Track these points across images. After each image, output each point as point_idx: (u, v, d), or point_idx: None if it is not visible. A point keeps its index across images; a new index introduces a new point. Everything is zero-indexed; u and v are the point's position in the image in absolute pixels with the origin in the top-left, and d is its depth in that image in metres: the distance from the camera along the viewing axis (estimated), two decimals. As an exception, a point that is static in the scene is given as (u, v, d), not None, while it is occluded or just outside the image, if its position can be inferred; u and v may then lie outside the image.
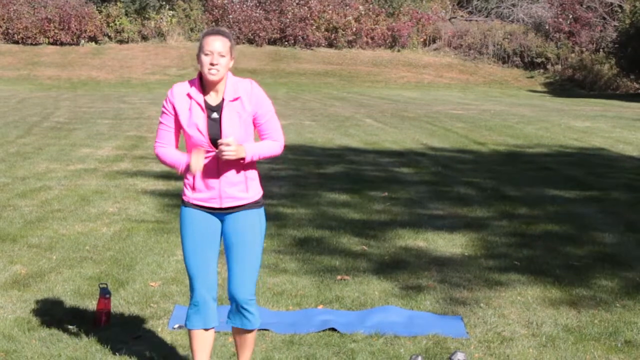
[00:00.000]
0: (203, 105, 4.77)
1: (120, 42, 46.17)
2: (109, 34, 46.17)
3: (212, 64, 4.69)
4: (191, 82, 4.84)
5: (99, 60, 43.39)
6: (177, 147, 4.92)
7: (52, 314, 6.27)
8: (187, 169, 4.76)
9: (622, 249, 8.55)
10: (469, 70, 46.44)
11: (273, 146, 4.88)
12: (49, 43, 45.14)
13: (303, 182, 12.60)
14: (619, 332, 6.03)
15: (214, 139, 4.73)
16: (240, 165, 4.80)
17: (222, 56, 4.71)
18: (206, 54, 4.71)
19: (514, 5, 49.77)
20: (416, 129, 20.93)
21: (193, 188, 4.87)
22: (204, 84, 4.79)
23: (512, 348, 5.70)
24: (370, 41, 47.62)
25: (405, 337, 5.85)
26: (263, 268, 7.55)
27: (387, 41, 48.02)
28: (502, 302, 6.71)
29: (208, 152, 4.75)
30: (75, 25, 44.92)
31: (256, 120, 4.83)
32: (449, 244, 8.69)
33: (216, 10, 47.10)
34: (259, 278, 7.24)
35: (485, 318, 6.30)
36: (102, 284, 6.26)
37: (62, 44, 45.11)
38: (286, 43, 46.94)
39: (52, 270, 7.46)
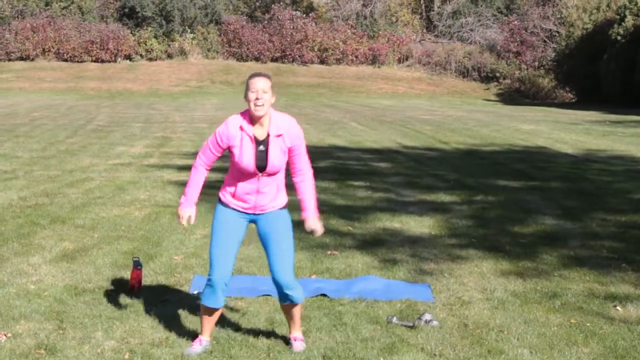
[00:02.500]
0: (253, 138, 4.72)
1: (150, 59, 46.08)
2: (141, 53, 46.07)
3: (257, 99, 4.65)
4: (243, 115, 4.78)
5: (132, 75, 43.29)
6: (210, 166, 4.92)
7: (94, 281, 6.25)
8: (180, 209, 4.92)
9: (560, 229, 8.55)
10: (436, 83, 46.42)
11: (312, 182, 4.95)
12: (92, 61, 45.07)
13: (300, 174, 12.57)
14: (556, 296, 6.03)
15: (260, 167, 4.72)
16: (274, 183, 4.82)
17: (265, 92, 4.67)
18: (252, 92, 4.67)
19: (472, 30, 49.76)
20: (392, 131, 20.91)
21: (233, 196, 4.85)
22: (252, 118, 4.73)
23: (470, 310, 5.69)
24: (354, 59, 47.60)
25: (383, 301, 5.84)
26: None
27: (369, 59, 48.01)
28: (462, 272, 6.71)
29: (252, 176, 4.75)
30: (113, 46, 44.86)
31: (291, 152, 4.80)
32: (419, 225, 8.68)
33: (229, 34, 47.01)
34: (263, 253, 7.23)
35: (449, 285, 6.30)
36: (135, 257, 6.24)
37: (102, 61, 45.01)
38: (286, 60, 46.92)
39: (94, 246, 7.44)
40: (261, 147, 4.74)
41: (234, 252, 4.90)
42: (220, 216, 4.90)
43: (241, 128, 4.75)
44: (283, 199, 4.92)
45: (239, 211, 4.88)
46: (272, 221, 4.87)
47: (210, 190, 10.65)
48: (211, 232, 4.93)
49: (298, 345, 4.92)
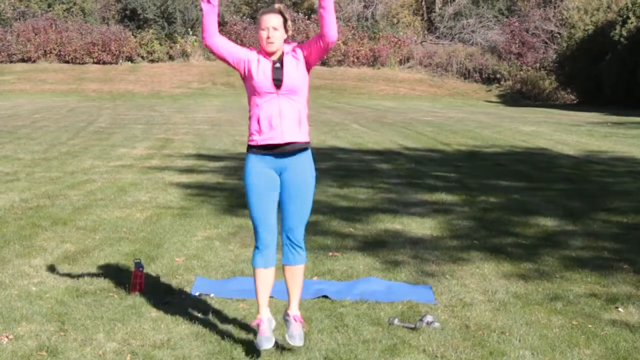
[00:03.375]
0: (269, 58, 4.77)
1: (152, 61, 46.12)
2: (143, 55, 46.12)
3: (268, 37, 4.70)
4: (258, 50, 4.84)
5: (134, 77, 43.32)
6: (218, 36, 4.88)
7: (96, 283, 6.25)
8: None
9: (561, 231, 8.55)
10: (437, 85, 46.43)
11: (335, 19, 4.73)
12: (94, 62, 45.13)
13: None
14: (558, 297, 6.03)
15: (277, 82, 4.72)
16: (296, 107, 4.79)
17: (276, 29, 4.71)
18: (262, 29, 4.72)
19: (473, 31, 49.77)
20: (393, 132, 20.91)
21: (259, 132, 4.80)
22: (266, 53, 4.78)
23: (472, 311, 5.69)
24: (355, 60, 47.61)
25: (385, 302, 5.84)
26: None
27: (370, 60, 48.02)
28: (464, 274, 6.70)
29: (272, 96, 4.74)
30: (115, 48, 44.92)
31: (306, 47, 4.80)
32: (421, 226, 8.68)
33: (231, 35, 47.05)
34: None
35: (450, 287, 6.29)
36: (136, 259, 6.24)
37: (104, 63, 45.06)
38: (287, 62, 46.88)
39: (95, 247, 7.44)
40: (277, 65, 4.76)
41: (274, 206, 4.88)
42: (251, 175, 4.84)
43: (258, 52, 4.82)
44: (306, 133, 4.86)
45: (267, 157, 4.80)
46: (298, 174, 4.83)
47: (213, 192, 10.66)
48: (246, 193, 4.89)
49: (296, 328, 4.84)
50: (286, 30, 4.77)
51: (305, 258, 4.99)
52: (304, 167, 4.87)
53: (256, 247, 4.90)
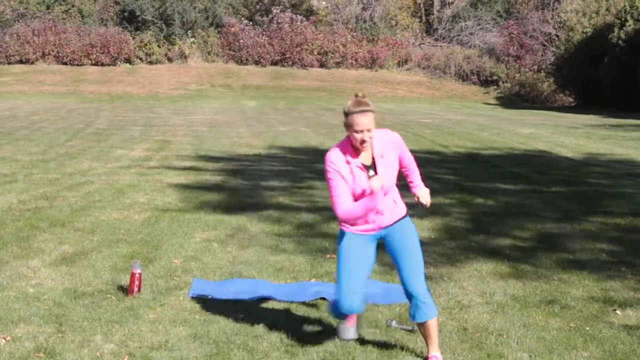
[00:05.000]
0: (361, 166, 4.66)
1: (150, 63, 46.11)
2: (141, 57, 46.11)
3: (364, 141, 4.57)
4: (342, 149, 4.68)
5: (132, 78, 43.32)
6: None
7: (94, 285, 6.25)
8: (372, 193, 4.62)
9: (559, 233, 8.55)
10: (435, 87, 46.45)
11: (417, 169, 4.99)
12: (92, 64, 45.11)
13: (299, 177, 12.58)
14: (556, 300, 6.03)
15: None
16: (390, 198, 4.77)
17: (370, 130, 4.59)
18: (357, 132, 4.56)
19: (471, 33, 49.80)
20: (392, 135, 20.90)
21: (354, 225, 4.76)
22: (355, 150, 4.66)
23: (470, 313, 5.69)
24: (354, 62, 47.62)
25: (382, 304, 5.84)
26: (266, 248, 7.56)
27: (368, 62, 48.03)
28: (462, 276, 6.70)
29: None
30: (113, 50, 44.91)
31: (402, 160, 4.83)
32: (418, 228, 8.63)
33: (229, 37, 47.05)
34: (263, 256, 7.24)
35: (448, 289, 6.30)
36: (134, 260, 6.24)
37: (102, 64, 45.05)
38: (286, 64, 46.92)
39: (93, 249, 7.43)
40: (371, 172, 4.67)
41: (364, 275, 4.80)
42: (345, 243, 4.78)
43: (347, 162, 4.66)
44: (402, 209, 4.87)
45: (363, 235, 4.79)
46: (399, 234, 4.81)
47: (211, 194, 10.65)
48: (337, 261, 4.82)
49: None
50: (375, 124, 4.63)
51: (435, 312, 4.77)
52: (404, 228, 4.85)
53: (338, 309, 4.76)
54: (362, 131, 4.55)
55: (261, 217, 9.08)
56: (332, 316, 4.97)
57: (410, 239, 4.84)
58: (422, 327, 4.81)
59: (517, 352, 4.91)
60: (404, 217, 4.88)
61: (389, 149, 4.74)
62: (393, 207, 4.82)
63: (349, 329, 4.89)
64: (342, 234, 4.82)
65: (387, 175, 4.69)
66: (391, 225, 4.83)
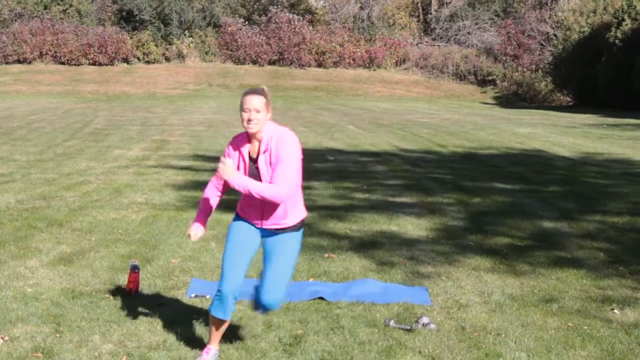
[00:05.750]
0: (246, 157, 4.69)
1: (148, 62, 46.10)
2: (139, 56, 46.09)
3: (249, 120, 4.59)
4: (242, 136, 4.74)
5: (130, 78, 43.29)
6: (222, 192, 4.94)
7: (92, 285, 6.25)
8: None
9: (557, 232, 8.56)
10: (433, 86, 46.47)
11: (267, 188, 4.56)
12: (89, 64, 45.09)
13: (297, 177, 12.56)
14: (553, 299, 6.03)
15: None
16: (281, 205, 4.72)
17: (258, 112, 4.59)
18: (244, 111, 4.60)
19: (469, 33, 49.81)
20: (389, 134, 20.92)
21: (242, 211, 4.84)
22: (248, 136, 4.70)
23: (468, 313, 5.69)
24: (352, 62, 47.63)
25: (381, 304, 5.84)
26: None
27: (366, 62, 48.04)
28: (460, 275, 6.70)
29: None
30: (111, 49, 44.89)
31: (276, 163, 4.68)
32: (416, 227, 8.68)
33: (227, 36, 47.03)
34: (260, 256, 7.23)
35: (446, 289, 6.30)
36: (132, 260, 6.24)
37: (100, 64, 45.03)
38: (283, 63, 46.92)
39: (91, 249, 7.43)
40: (256, 165, 4.68)
41: (246, 263, 4.80)
42: (234, 227, 4.86)
43: (236, 147, 4.73)
44: (295, 216, 4.80)
45: (251, 223, 4.83)
46: (279, 243, 4.79)
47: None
48: (225, 243, 4.88)
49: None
50: (268, 112, 4.64)
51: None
52: (287, 240, 4.80)
53: (217, 294, 4.74)
54: (248, 110, 4.59)
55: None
56: (210, 309, 4.79)
57: (287, 250, 4.78)
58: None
59: (515, 351, 4.91)
60: (290, 229, 4.79)
61: (274, 148, 4.64)
62: (283, 213, 4.74)
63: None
64: (234, 217, 4.91)
65: (267, 171, 4.63)
66: (272, 231, 4.80)
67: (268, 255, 4.83)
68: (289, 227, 4.80)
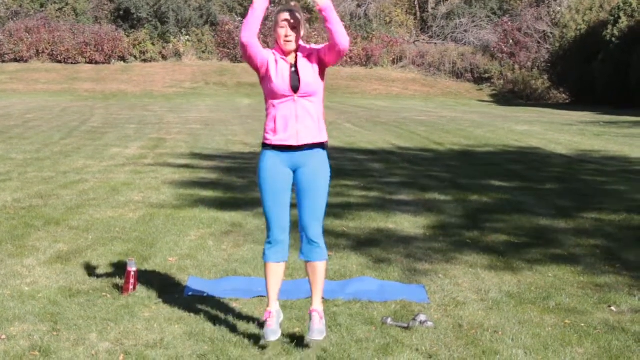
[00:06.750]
0: (287, 61, 4.81)
1: (145, 61, 46.07)
2: (135, 55, 46.06)
3: (287, 35, 4.72)
4: (273, 48, 4.87)
5: (126, 76, 43.24)
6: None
7: (89, 283, 6.24)
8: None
9: (554, 230, 8.57)
10: (430, 84, 46.48)
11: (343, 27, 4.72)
12: (86, 62, 45.05)
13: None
14: (550, 297, 6.04)
15: (294, 86, 4.77)
16: (313, 110, 4.83)
17: (294, 28, 4.72)
18: (280, 27, 4.73)
19: (465, 31, 49.83)
20: (386, 132, 20.92)
21: (274, 131, 4.86)
22: (283, 52, 4.82)
23: (465, 310, 5.69)
24: (349, 60, 47.61)
25: (378, 302, 5.84)
26: (260, 245, 7.51)
27: (363, 60, 48.04)
28: (457, 273, 6.71)
29: (289, 99, 4.80)
30: (107, 48, 44.86)
31: (322, 52, 4.82)
32: (413, 225, 8.69)
33: (224, 34, 47.00)
34: (258, 254, 7.23)
35: (443, 286, 6.30)
36: (129, 258, 6.23)
37: (96, 63, 44.99)
38: (280, 62, 46.85)
39: (88, 247, 7.42)
40: (293, 69, 4.80)
41: (287, 202, 4.94)
42: (265, 170, 4.91)
43: (274, 55, 4.84)
44: (324, 135, 4.93)
45: (282, 154, 4.87)
46: (311, 173, 4.90)
47: (206, 192, 10.64)
48: (259, 189, 4.97)
49: (315, 322, 4.81)
50: (302, 28, 4.77)
51: (324, 255, 4.98)
52: (318, 164, 4.93)
53: (267, 242, 4.95)
54: (285, 26, 4.72)
55: (256, 214, 9.07)
56: (265, 257, 4.97)
57: (320, 180, 4.93)
58: (310, 267, 4.97)
59: (512, 348, 4.92)
60: (321, 146, 4.93)
61: (314, 51, 4.85)
62: (315, 125, 4.86)
63: (267, 331, 4.82)
64: (262, 153, 4.95)
65: (308, 75, 4.78)
66: (307, 149, 4.87)
67: (303, 190, 4.93)
68: (320, 144, 4.90)
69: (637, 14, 35.10)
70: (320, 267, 4.99)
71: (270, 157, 4.91)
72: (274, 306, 4.95)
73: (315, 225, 4.94)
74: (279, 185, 4.91)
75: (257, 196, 10.39)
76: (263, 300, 5.82)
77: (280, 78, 4.79)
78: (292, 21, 4.73)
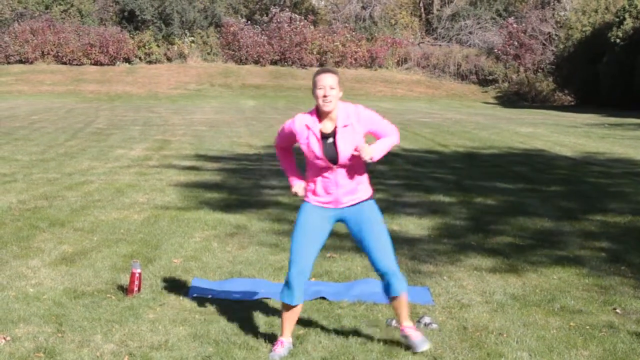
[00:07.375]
0: (318, 135, 4.81)
1: (149, 62, 46.13)
2: (140, 56, 46.12)
3: (325, 96, 4.73)
4: (310, 113, 4.88)
5: (131, 78, 43.32)
6: (291, 149, 5.09)
7: (94, 284, 6.25)
8: (291, 187, 5.05)
9: (559, 232, 8.55)
10: (434, 86, 46.46)
11: (391, 140, 4.91)
12: (91, 64, 45.13)
13: (299, 177, 12.55)
14: (555, 299, 6.03)
15: (331, 159, 4.79)
16: (354, 175, 4.86)
17: (333, 89, 4.74)
18: (319, 88, 4.74)
19: (470, 32, 49.80)
20: (391, 134, 20.89)
21: (314, 194, 4.93)
22: (320, 114, 4.82)
23: (469, 313, 5.69)
24: (353, 62, 47.64)
25: (382, 304, 5.83)
26: (265, 247, 7.55)
27: (367, 62, 48.05)
28: (461, 275, 6.70)
29: (327, 169, 4.83)
30: (112, 49, 44.93)
31: (376, 134, 4.91)
32: (418, 227, 8.68)
33: (228, 36, 47.04)
34: (262, 256, 7.24)
35: (448, 288, 6.29)
36: (134, 260, 6.23)
37: (101, 64, 45.06)
38: (285, 63, 46.92)
39: (93, 249, 7.43)
40: (329, 140, 4.80)
41: (315, 250, 4.95)
42: (303, 214, 4.95)
43: (307, 127, 4.84)
44: (366, 192, 4.97)
45: (322, 209, 4.92)
46: (359, 213, 4.92)
47: (211, 194, 10.65)
48: (294, 229, 4.99)
49: (416, 336, 4.87)
50: (340, 90, 4.80)
51: (405, 284, 4.98)
52: (368, 212, 4.95)
53: (286, 281, 4.93)
54: (323, 87, 4.74)
55: (261, 216, 9.07)
56: (280, 296, 4.96)
57: (371, 215, 4.94)
58: (396, 301, 4.99)
59: (517, 351, 4.91)
60: (366, 200, 4.96)
61: (355, 122, 4.83)
62: (354, 188, 4.90)
63: (274, 355, 4.79)
64: (303, 205, 4.99)
65: (346, 149, 4.78)
66: (350, 206, 4.91)
67: (358, 230, 4.95)
68: (363, 200, 4.94)
69: (642, 16, 35.04)
70: (404, 296, 5.00)
71: (309, 208, 4.96)
72: (287, 337, 4.96)
73: (387, 257, 4.92)
74: (315, 227, 4.92)
75: (262, 198, 10.42)
76: (268, 302, 5.83)
77: (314, 153, 4.82)
78: (331, 83, 4.75)
